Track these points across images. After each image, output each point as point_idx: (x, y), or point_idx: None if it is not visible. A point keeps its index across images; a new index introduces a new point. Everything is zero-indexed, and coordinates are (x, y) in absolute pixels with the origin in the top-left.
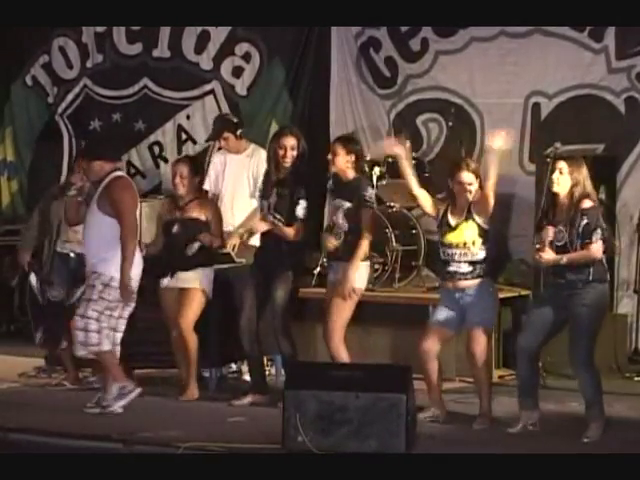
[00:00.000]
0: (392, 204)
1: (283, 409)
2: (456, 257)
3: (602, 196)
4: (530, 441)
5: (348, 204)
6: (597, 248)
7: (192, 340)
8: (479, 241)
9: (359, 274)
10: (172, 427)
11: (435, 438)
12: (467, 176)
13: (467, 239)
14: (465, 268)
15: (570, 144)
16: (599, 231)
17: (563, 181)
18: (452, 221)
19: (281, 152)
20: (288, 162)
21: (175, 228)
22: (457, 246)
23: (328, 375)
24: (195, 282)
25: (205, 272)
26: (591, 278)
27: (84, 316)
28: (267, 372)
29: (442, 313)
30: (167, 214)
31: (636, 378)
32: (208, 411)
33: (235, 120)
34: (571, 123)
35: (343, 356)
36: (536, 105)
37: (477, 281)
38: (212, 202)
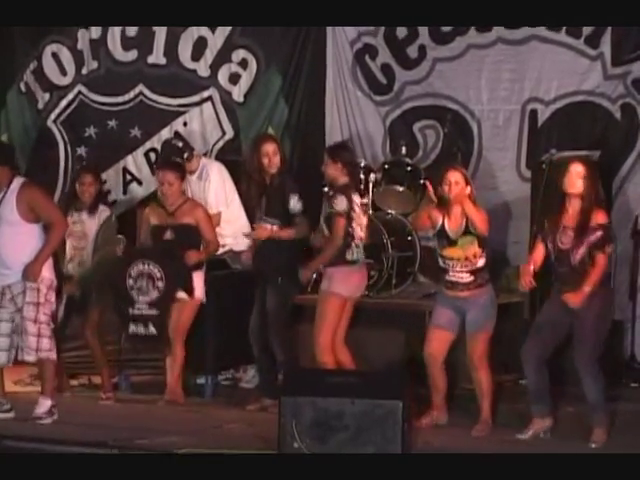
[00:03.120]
0: (388, 211)
1: (279, 415)
2: (457, 268)
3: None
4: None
5: (328, 210)
6: (605, 259)
7: (180, 349)
8: (479, 251)
9: (339, 279)
10: (168, 433)
11: (432, 445)
12: (453, 174)
13: (468, 253)
14: (467, 278)
15: (567, 150)
16: (611, 245)
17: (577, 182)
18: (451, 234)
19: (266, 160)
20: (274, 168)
21: (168, 234)
22: (458, 259)
23: (324, 381)
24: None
25: (196, 280)
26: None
27: (37, 321)
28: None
29: (442, 316)
30: (156, 220)
31: (632, 384)
32: (204, 417)
33: (180, 144)
34: (568, 129)
35: (327, 360)
36: (533, 112)
37: (479, 290)
38: (200, 206)
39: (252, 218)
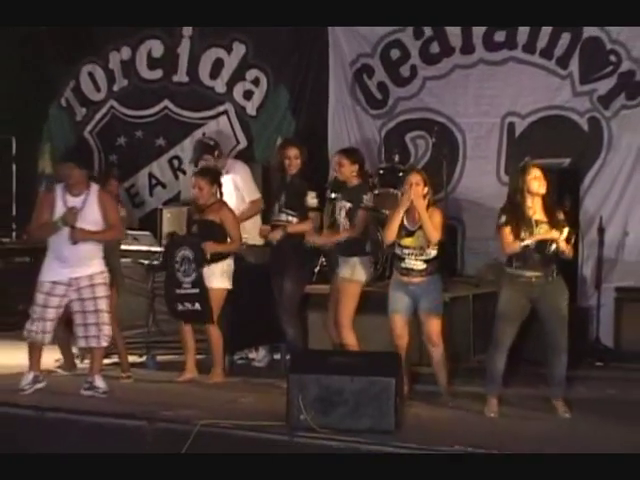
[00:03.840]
0: (383, 211)
1: (287, 391)
2: (413, 257)
3: (568, 204)
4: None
5: (349, 205)
6: (571, 250)
7: (215, 333)
8: (435, 242)
9: (359, 269)
10: (190, 407)
11: (421, 417)
12: (414, 177)
13: (423, 243)
14: (421, 266)
15: (540, 158)
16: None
17: (543, 185)
18: (409, 226)
19: (287, 162)
20: (294, 170)
21: (194, 228)
22: (414, 248)
23: (327, 361)
24: (213, 282)
25: (219, 270)
26: (555, 274)
27: (99, 310)
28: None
29: (398, 302)
30: (191, 216)
31: (597, 363)
32: (221, 393)
33: (212, 143)
34: (541, 140)
35: (351, 341)
36: (511, 124)
37: (429, 277)
38: (225, 207)
39: (269, 213)
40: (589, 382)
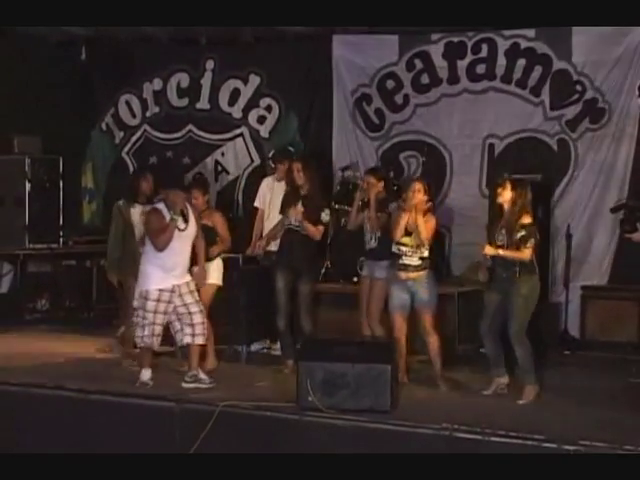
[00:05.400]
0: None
1: (297, 376)
2: (409, 254)
3: (539, 214)
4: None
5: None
6: (528, 252)
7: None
8: (427, 242)
9: (384, 268)
10: (213, 390)
11: (415, 398)
12: (416, 184)
13: (419, 242)
14: (416, 262)
15: (516, 174)
16: (532, 241)
17: (505, 195)
18: (408, 227)
19: (292, 174)
20: (300, 180)
21: None
22: (411, 246)
23: (331, 350)
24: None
25: (211, 267)
26: (520, 275)
27: (201, 311)
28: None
29: (398, 300)
30: None
31: (565, 352)
32: (240, 377)
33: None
34: (517, 158)
35: (378, 331)
36: (491, 145)
37: (424, 272)
38: (216, 212)
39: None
40: (558, 370)
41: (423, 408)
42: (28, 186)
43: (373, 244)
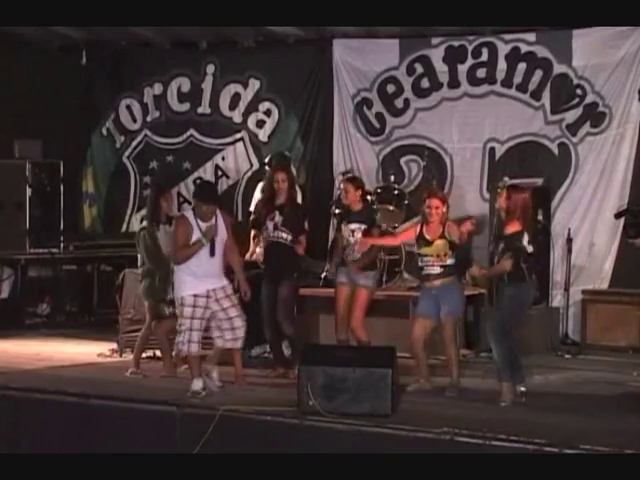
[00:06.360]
0: (380, 224)
1: (298, 380)
2: (430, 262)
3: (540, 218)
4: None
5: (364, 226)
6: (507, 264)
7: None
8: (449, 252)
9: (370, 277)
10: (214, 394)
11: (416, 402)
12: (434, 201)
13: (440, 252)
14: (438, 270)
15: (517, 178)
16: (509, 254)
17: (501, 202)
18: (428, 237)
19: (276, 185)
20: (282, 191)
21: None
22: (432, 256)
23: (332, 354)
24: None
25: None
26: (507, 281)
27: (241, 316)
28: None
29: (423, 307)
30: None
31: (566, 356)
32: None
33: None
34: (518, 162)
35: (363, 337)
36: (492, 149)
37: (447, 279)
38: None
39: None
40: (558, 374)
41: (424, 413)
42: (29, 191)
43: (357, 256)
